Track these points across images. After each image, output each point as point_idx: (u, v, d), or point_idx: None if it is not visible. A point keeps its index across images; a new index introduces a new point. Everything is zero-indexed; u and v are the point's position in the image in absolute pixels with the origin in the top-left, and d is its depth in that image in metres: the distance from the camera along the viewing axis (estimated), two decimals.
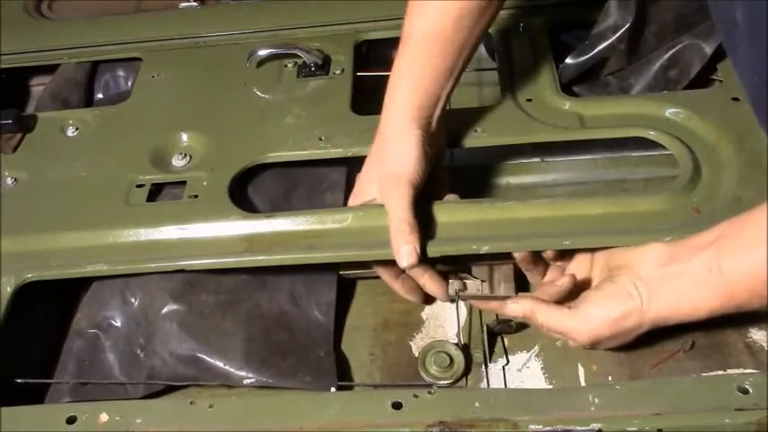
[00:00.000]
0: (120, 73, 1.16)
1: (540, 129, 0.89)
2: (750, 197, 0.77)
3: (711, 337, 0.78)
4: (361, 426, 0.66)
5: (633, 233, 0.76)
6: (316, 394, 0.75)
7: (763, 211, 0.67)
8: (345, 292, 0.87)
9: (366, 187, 0.83)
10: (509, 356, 0.80)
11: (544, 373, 0.78)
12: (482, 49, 1.07)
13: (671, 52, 0.95)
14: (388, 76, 0.84)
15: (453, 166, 0.95)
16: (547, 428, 0.64)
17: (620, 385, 0.69)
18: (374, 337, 0.84)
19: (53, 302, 0.86)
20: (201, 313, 0.81)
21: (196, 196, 0.86)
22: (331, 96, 0.98)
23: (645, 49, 0.96)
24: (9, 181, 0.93)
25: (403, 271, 0.81)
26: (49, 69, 1.14)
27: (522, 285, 0.82)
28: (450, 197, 0.83)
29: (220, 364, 0.78)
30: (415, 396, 0.67)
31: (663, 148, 0.88)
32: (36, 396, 0.79)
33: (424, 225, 0.78)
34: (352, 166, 0.93)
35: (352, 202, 0.84)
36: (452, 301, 0.81)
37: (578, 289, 0.76)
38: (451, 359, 0.77)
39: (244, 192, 0.90)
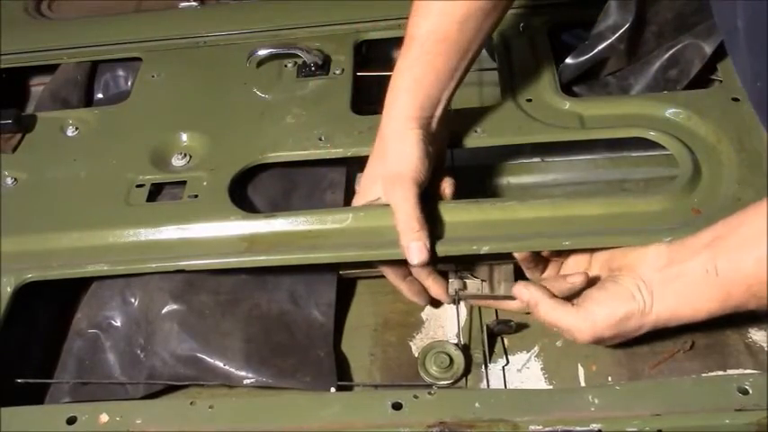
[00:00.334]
0: (120, 73, 1.16)
1: (540, 129, 0.90)
2: (750, 197, 0.77)
3: (711, 338, 0.78)
4: (361, 426, 0.66)
5: (633, 233, 0.76)
6: (316, 394, 0.75)
7: (757, 211, 0.67)
8: (345, 292, 0.87)
9: (370, 187, 0.83)
10: (509, 357, 0.80)
11: (544, 374, 0.78)
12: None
13: (671, 52, 0.95)
14: (388, 76, 0.85)
15: (454, 166, 0.95)
16: (547, 429, 0.64)
17: (620, 386, 0.68)
18: (374, 337, 0.84)
19: (53, 302, 0.86)
20: (201, 313, 0.81)
21: (196, 196, 0.86)
22: (331, 96, 0.98)
23: (645, 49, 0.96)
24: (9, 181, 0.92)
25: (410, 272, 0.81)
26: (49, 69, 1.14)
27: None
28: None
29: (220, 364, 0.78)
30: (415, 396, 0.67)
31: (663, 148, 0.88)
32: (36, 396, 0.79)
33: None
34: (352, 165, 0.93)
35: (356, 202, 0.84)
36: (453, 300, 0.81)
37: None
38: (451, 359, 0.77)
39: (244, 192, 0.90)
